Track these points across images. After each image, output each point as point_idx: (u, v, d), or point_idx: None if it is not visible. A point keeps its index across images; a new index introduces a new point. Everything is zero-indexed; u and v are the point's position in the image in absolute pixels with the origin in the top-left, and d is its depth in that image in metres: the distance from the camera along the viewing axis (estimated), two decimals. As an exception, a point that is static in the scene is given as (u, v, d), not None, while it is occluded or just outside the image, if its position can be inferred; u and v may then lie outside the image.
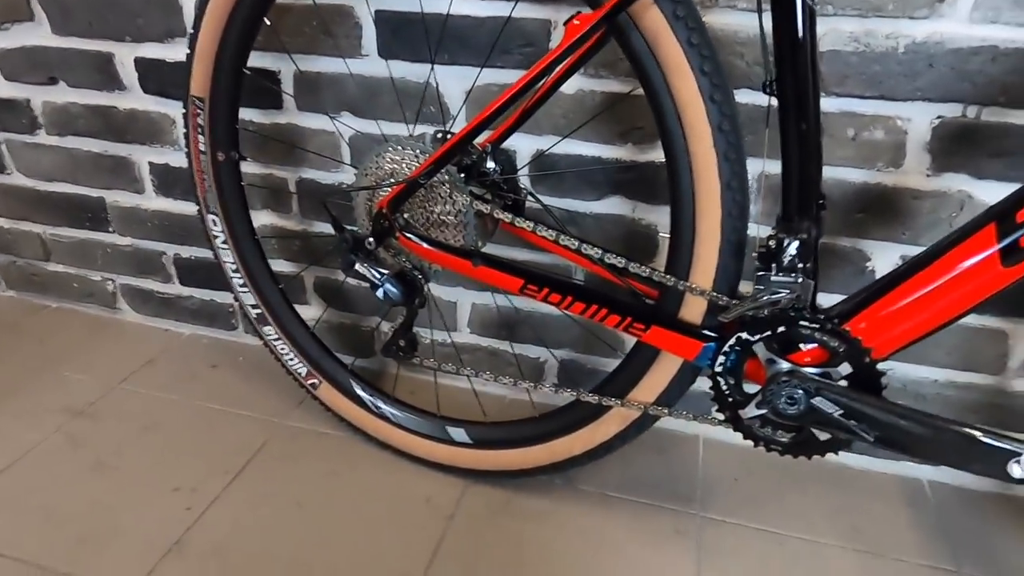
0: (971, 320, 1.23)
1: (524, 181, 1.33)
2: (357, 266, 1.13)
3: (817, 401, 0.89)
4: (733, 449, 1.44)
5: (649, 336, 1.00)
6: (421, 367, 1.26)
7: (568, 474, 1.36)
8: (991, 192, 1.12)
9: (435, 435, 1.34)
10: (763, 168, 1.15)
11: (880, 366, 0.89)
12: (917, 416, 0.84)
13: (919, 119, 1.11)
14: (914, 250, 1.20)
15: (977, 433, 0.82)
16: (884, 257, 1.22)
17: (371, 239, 1.12)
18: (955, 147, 1.11)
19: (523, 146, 1.31)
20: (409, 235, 1.09)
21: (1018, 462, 0.80)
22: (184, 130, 1.30)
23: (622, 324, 1.00)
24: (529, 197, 1.22)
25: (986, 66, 1.04)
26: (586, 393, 1.12)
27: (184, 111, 1.27)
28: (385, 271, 1.13)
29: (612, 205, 1.32)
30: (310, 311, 1.65)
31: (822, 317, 0.89)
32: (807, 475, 1.39)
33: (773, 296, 0.89)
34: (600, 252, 1.00)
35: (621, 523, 1.26)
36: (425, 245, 1.08)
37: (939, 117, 1.10)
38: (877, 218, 1.19)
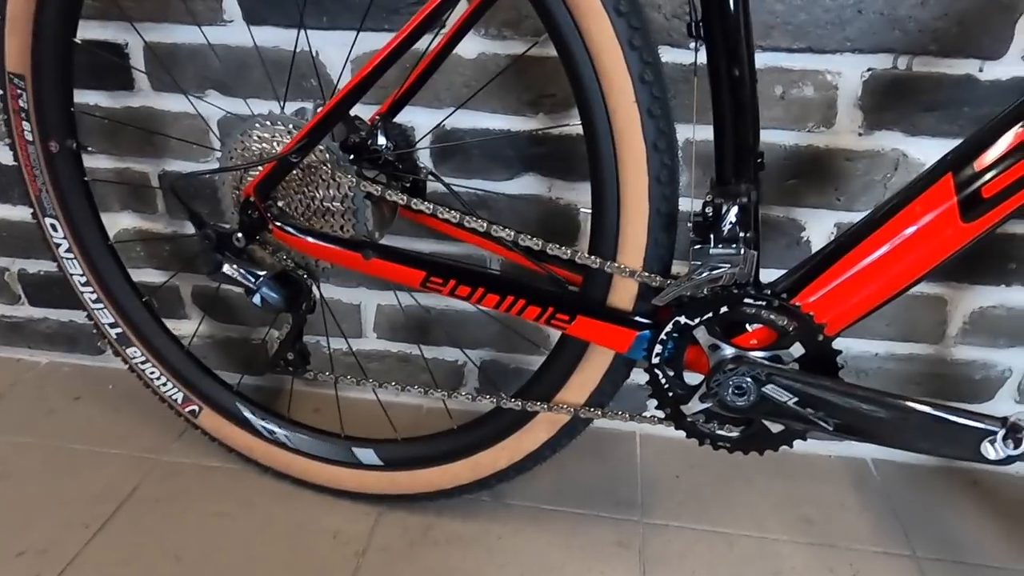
0: (909, 288, 1.16)
1: (424, 160, 1.17)
2: (225, 268, 0.94)
3: (769, 389, 0.78)
4: (672, 443, 1.34)
5: (575, 328, 0.86)
6: (316, 382, 1.08)
7: (496, 490, 1.22)
8: (926, 150, 1.05)
9: (340, 459, 1.16)
10: (692, 131, 1.03)
11: (835, 344, 0.79)
12: (881, 398, 0.74)
13: (849, 73, 1.02)
14: (849, 217, 1.12)
15: (947, 414, 0.72)
16: (819, 226, 1.13)
17: (239, 234, 0.93)
18: (887, 102, 1.03)
19: (421, 121, 1.15)
20: (285, 226, 0.91)
21: (992, 442, 0.70)
22: (3, 116, 1.06)
23: (543, 316, 0.86)
24: (431, 178, 1.06)
25: (916, 11, 0.96)
26: (508, 399, 0.98)
27: (0, 91, 1.04)
28: (261, 272, 0.95)
29: (526, 184, 1.18)
30: (190, 325, 1.43)
31: (768, 293, 0.78)
32: (750, 464, 1.30)
33: (713, 272, 0.77)
34: (512, 234, 0.85)
35: (557, 540, 1.13)
36: (305, 238, 0.90)
37: (869, 70, 1.01)
38: (810, 184, 1.10)
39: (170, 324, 1.22)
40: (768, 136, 1.07)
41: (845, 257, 0.77)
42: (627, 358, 0.89)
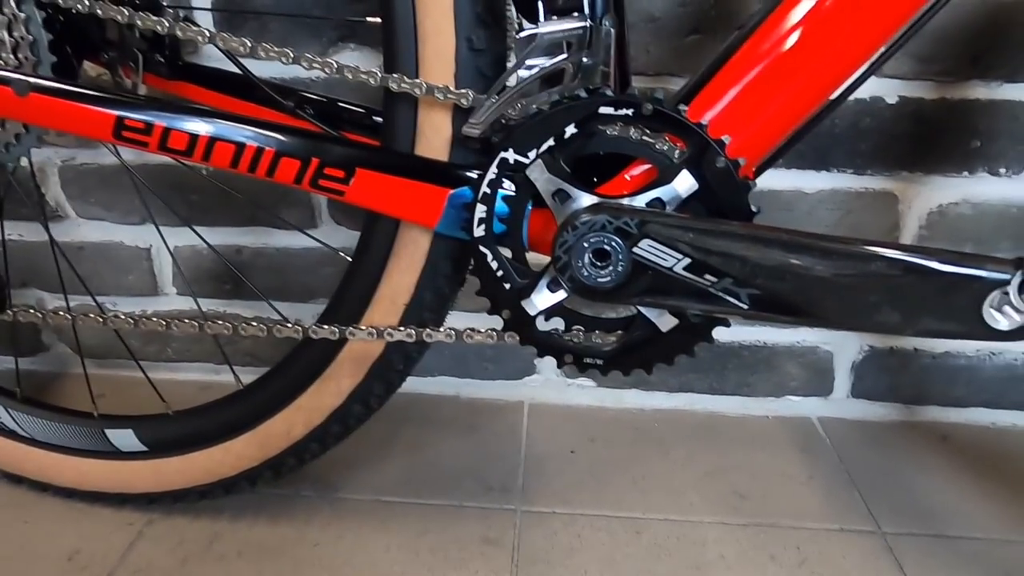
0: (850, 183, 0.90)
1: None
2: None
3: (644, 249, 0.48)
4: (569, 412, 1.04)
5: (355, 190, 0.55)
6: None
7: (325, 480, 0.89)
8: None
9: (90, 447, 0.81)
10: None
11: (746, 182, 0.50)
12: (822, 244, 0.45)
13: None
14: None
15: (924, 259, 0.44)
16: None
17: None
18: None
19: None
20: None
21: (1003, 300, 0.42)
22: None
23: (305, 174, 0.55)
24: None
25: None
26: (289, 326, 0.66)
27: None
28: None
29: (348, 61, 0.88)
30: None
31: (637, 96, 0.49)
32: (668, 431, 1.01)
33: (545, 67, 0.47)
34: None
35: (400, 542, 0.80)
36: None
37: None
38: None
39: None
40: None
41: (746, 44, 0.49)
42: (447, 238, 0.58)
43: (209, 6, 0.87)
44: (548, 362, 1.02)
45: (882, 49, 0.50)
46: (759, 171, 0.55)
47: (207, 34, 0.58)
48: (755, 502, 0.87)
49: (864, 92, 0.86)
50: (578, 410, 1.04)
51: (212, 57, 0.82)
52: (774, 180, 0.91)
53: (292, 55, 0.57)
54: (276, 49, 0.57)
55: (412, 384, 1.13)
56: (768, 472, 0.93)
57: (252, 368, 0.95)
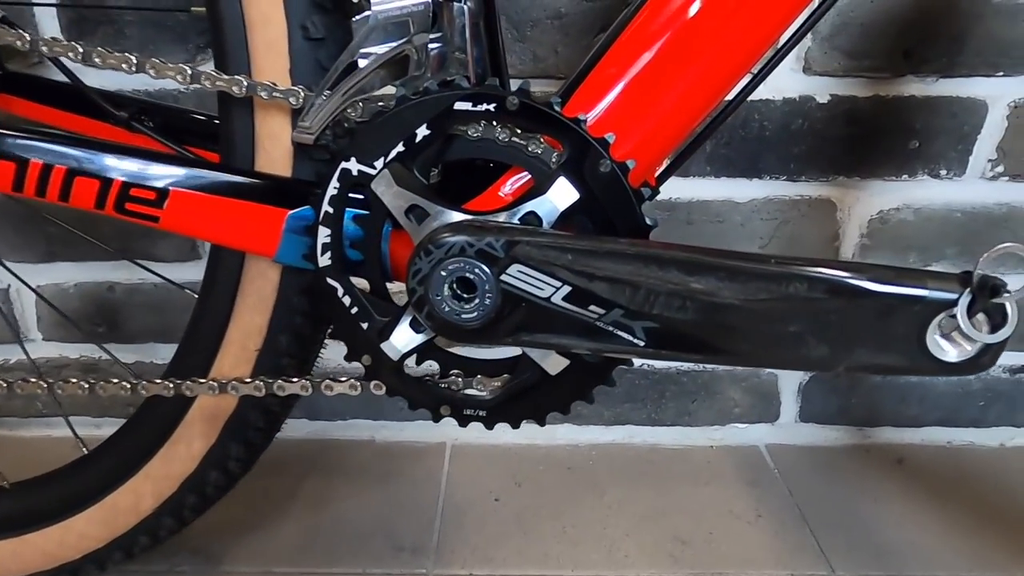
0: (784, 190, 0.83)
1: (49, 28, 0.75)
2: None
3: (515, 276, 0.38)
4: (496, 452, 0.93)
5: (171, 214, 0.45)
6: None
7: (208, 551, 0.77)
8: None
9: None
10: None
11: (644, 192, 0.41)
12: (735, 263, 0.36)
13: None
14: None
15: (853, 276, 0.35)
16: None
17: None
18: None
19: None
20: None
21: (953, 322, 0.34)
22: None
23: (107, 195, 0.44)
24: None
25: None
26: (114, 383, 0.54)
27: None
28: None
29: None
30: None
31: (502, 89, 0.40)
32: (605, 468, 0.91)
33: (384, 56, 0.38)
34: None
35: (287, 623, 0.69)
36: None
37: None
38: None
39: None
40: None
41: (630, 27, 0.40)
42: (298, 271, 0.48)
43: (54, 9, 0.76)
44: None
45: (783, 36, 0.42)
46: (661, 179, 0.46)
47: (26, 38, 0.47)
48: (697, 548, 0.78)
49: (793, 91, 0.78)
50: (506, 449, 0.94)
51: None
52: (702, 189, 0.83)
53: (135, 61, 0.46)
54: (116, 55, 0.46)
55: (321, 429, 1.02)
56: (712, 511, 0.84)
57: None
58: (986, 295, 0.33)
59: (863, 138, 0.81)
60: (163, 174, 0.44)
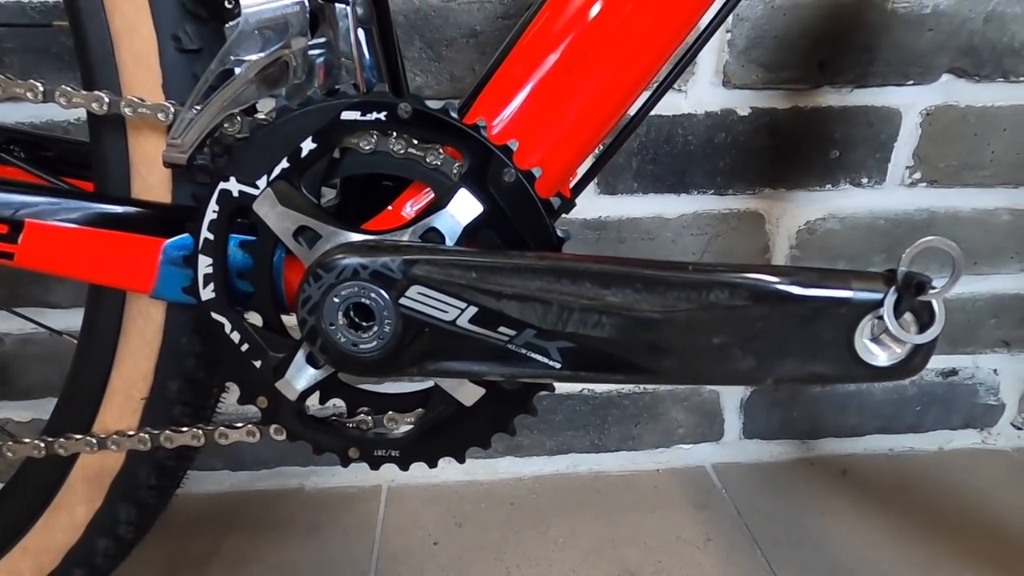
0: (712, 204, 0.82)
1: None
2: None
3: (414, 299, 0.35)
4: (435, 491, 0.88)
5: (26, 250, 0.40)
6: None
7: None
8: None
9: None
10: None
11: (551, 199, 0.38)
12: (650, 273, 0.33)
13: None
14: None
15: (780, 284, 0.33)
16: None
17: None
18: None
19: None
20: None
21: (882, 324, 0.32)
22: None
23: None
24: None
25: None
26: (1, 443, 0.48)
27: None
28: None
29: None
30: None
31: (392, 97, 0.36)
32: (549, 501, 0.87)
33: (263, 63, 0.34)
34: None
35: None
36: None
37: None
38: None
39: None
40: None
41: (530, 29, 0.38)
42: (184, 307, 0.43)
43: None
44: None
45: (687, 36, 0.41)
46: (576, 190, 0.44)
47: None
48: (646, 573, 0.75)
49: (714, 105, 0.78)
50: (445, 488, 0.89)
51: None
52: (631, 207, 0.81)
53: None
54: None
55: (244, 480, 0.95)
56: (661, 539, 0.80)
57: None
58: (911, 293, 0.31)
59: (785, 149, 0.81)
60: (14, 204, 0.39)
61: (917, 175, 0.83)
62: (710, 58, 0.77)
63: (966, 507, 0.84)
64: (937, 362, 0.92)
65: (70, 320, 0.79)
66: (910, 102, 0.80)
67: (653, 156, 0.80)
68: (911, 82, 0.78)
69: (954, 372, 0.93)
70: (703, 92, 0.78)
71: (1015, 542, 0.79)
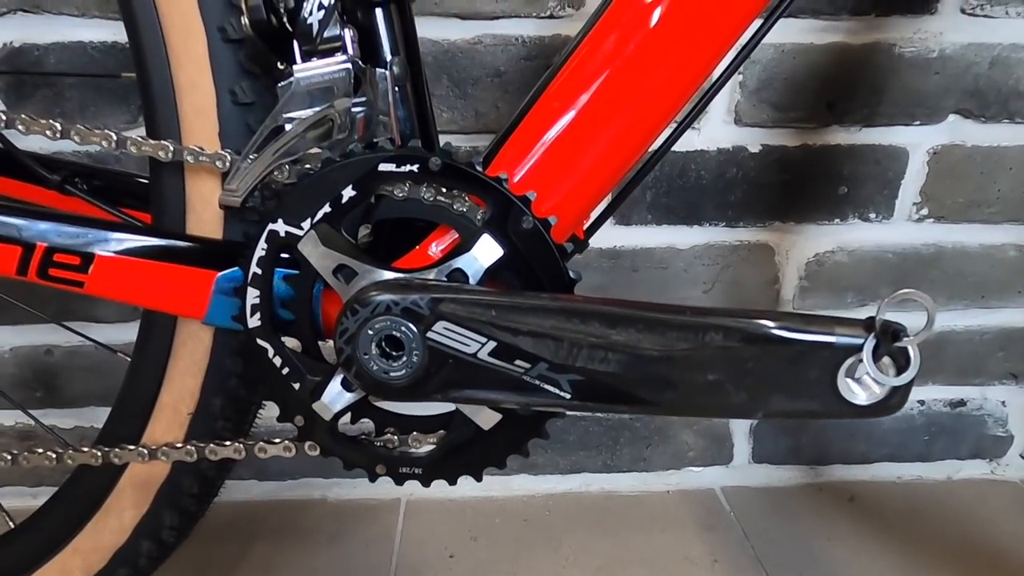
0: (724, 236, 0.85)
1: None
2: None
3: (440, 333, 0.39)
4: (452, 506, 0.92)
5: (96, 279, 0.44)
6: None
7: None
8: None
9: None
10: None
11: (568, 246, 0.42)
12: (653, 315, 0.37)
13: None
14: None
15: (770, 328, 0.36)
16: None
17: None
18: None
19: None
20: None
21: (862, 366, 0.35)
22: None
23: (29, 263, 0.44)
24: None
25: None
26: (39, 452, 0.53)
27: None
28: None
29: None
30: None
31: (424, 150, 0.41)
32: (561, 519, 0.90)
33: (308, 120, 0.39)
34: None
35: None
36: None
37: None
38: None
39: None
40: None
41: (550, 88, 0.42)
42: (230, 332, 0.47)
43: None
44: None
45: (701, 89, 0.45)
46: (590, 231, 0.48)
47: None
48: (656, 598, 0.78)
49: (726, 142, 0.82)
50: (461, 503, 0.92)
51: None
52: (645, 237, 0.85)
53: (60, 127, 0.46)
54: (41, 121, 0.46)
55: (271, 490, 1.00)
56: (668, 559, 0.83)
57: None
58: (888, 339, 0.35)
59: (795, 185, 0.84)
60: (88, 239, 0.44)
61: (924, 211, 0.85)
62: (722, 98, 0.80)
63: (973, 536, 0.86)
64: (946, 393, 0.94)
65: (115, 334, 0.85)
66: (917, 141, 0.82)
67: (667, 189, 0.83)
68: (918, 122, 0.81)
69: (962, 403, 0.94)
70: (715, 130, 0.81)
71: (1022, 572, 0.80)
